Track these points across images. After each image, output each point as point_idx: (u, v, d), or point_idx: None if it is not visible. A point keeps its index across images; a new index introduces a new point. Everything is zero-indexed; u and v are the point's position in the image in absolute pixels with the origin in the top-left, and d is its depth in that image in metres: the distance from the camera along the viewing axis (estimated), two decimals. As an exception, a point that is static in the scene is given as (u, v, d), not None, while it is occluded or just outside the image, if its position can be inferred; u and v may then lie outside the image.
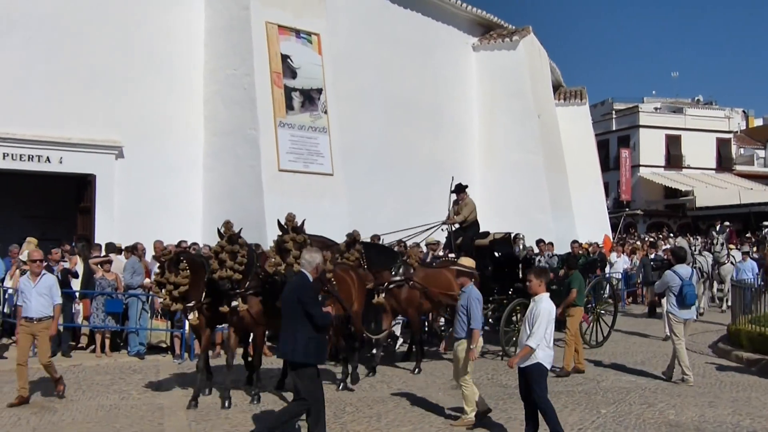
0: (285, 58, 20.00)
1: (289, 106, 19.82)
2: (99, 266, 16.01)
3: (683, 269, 13.13)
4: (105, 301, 15.28)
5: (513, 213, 26.27)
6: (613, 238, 31.72)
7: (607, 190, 44.01)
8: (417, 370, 13.88)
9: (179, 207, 19.56)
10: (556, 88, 34.37)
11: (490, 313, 15.63)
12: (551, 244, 19.87)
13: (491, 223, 25.91)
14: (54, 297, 11.08)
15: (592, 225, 30.98)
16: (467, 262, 10.59)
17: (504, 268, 16.12)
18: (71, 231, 19.56)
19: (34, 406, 11.12)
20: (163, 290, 11.19)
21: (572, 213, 29.45)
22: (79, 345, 16.12)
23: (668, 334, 14.76)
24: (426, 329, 16.95)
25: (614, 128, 57.49)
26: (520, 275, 15.51)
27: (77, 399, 11.63)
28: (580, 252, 19.59)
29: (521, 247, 16.44)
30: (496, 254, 16.14)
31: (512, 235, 16.44)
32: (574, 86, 35.95)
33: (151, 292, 15.23)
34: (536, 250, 19.78)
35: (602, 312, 17.25)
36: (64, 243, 16.99)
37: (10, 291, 15.90)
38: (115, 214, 18.87)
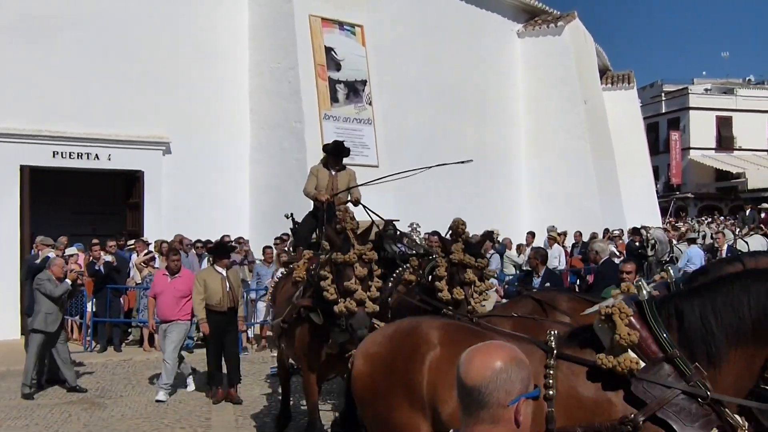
0: (329, 50, 20.03)
1: (334, 99, 19.85)
2: (144, 264, 16.23)
3: None
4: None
5: (561, 201, 26.15)
6: (663, 223, 31.33)
7: (657, 174, 43.46)
8: None
9: (226, 201, 19.71)
10: (603, 72, 33.99)
11: None
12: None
13: (539, 212, 25.82)
14: None
15: (641, 210, 30.61)
16: None
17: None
18: (121, 226, 19.80)
19: (85, 402, 11.34)
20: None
21: (620, 199, 29.24)
22: (130, 340, 16.42)
23: None
24: None
25: (664, 111, 56.51)
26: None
27: (127, 395, 11.84)
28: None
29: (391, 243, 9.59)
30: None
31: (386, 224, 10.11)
32: (622, 70, 35.63)
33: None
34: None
35: None
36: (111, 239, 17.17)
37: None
38: (163, 209, 19.06)
